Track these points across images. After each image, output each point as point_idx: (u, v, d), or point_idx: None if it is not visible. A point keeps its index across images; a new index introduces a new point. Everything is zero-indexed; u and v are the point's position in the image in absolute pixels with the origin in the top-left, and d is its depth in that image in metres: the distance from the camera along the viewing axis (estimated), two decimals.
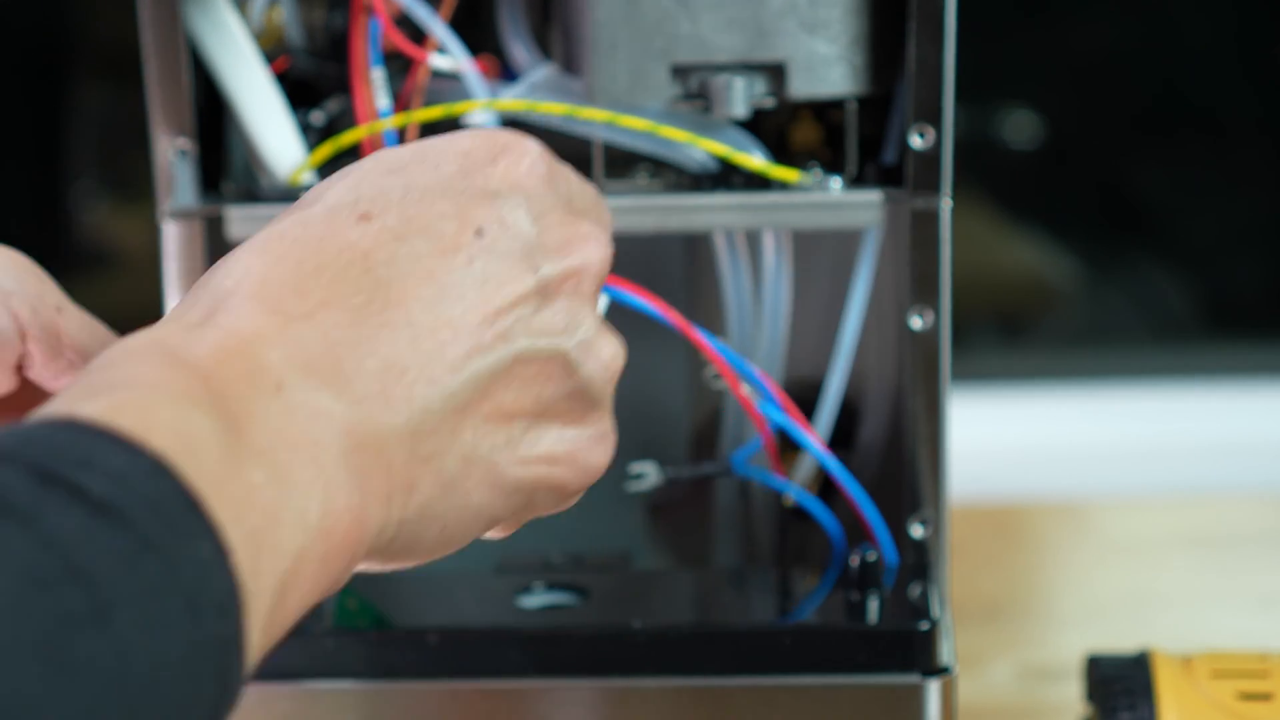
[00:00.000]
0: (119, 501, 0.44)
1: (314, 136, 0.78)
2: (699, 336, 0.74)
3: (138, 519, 0.44)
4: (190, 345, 0.50)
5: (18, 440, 0.45)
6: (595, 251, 0.56)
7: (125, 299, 1.38)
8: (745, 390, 0.75)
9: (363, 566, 0.53)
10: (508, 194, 0.55)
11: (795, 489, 0.77)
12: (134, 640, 0.42)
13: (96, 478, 0.44)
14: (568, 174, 0.58)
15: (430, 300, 0.53)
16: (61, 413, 0.46)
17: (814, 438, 0.76)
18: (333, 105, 0.80)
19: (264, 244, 0.53)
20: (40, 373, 0.63)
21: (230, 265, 0.53)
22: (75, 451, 0.44)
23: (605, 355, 0.57)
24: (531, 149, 0.57)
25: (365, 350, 0.52)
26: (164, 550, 0.44)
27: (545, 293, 0.55)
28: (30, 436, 0.45)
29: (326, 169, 0.78)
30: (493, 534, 0.57)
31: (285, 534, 0.48)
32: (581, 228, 0.57)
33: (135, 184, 1.39)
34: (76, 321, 0.64)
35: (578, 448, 0.56)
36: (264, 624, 0.47)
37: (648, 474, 0.77)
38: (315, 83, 0.79)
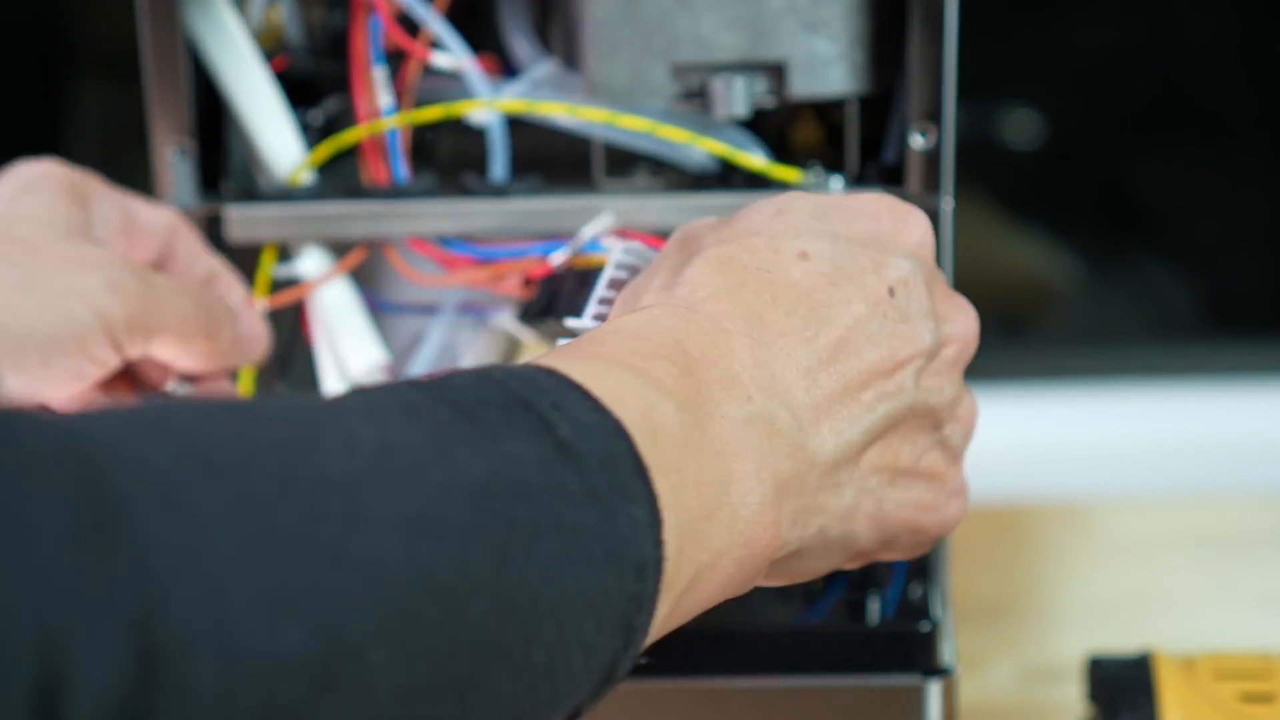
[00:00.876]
0: (579, 447, 0.49)
1: (313, 136, 0.78)
2: None
3: (590, 466, 0.49)
4: (678, 333, 0.56)
5: (506, 372, 0.50)
6: (970, 323, 0.63)
7: None
8: None
9: None
10: (910, 260, 0.61)
11: None
12: (554, 570, 0.47)
13: (565, 421, 0.49)
14: (933, 247, 0.65)
15: (857, 345, 0.59)
16: (550, 363, 0.52)
17: None
18: (331, 104, 0.80)
19: (720, 263, 0.59)
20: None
21: (693, 277, 0.59)
22: (553, 395, 0.50)
23: (965, 415, 0.63)
24: (924, 221, 0.63)
25: (811, 382, 0.58)
26: (605, 501, 0.49)
27: (933, 354, 0.61)
28: (518, 373, 0.50)
29: (326, 169, 0.78)
30: (848, 564, 0.62)
31: (714, 531, 0.53)
32: (960, 299, 0.63)
33: (135, 183, 1.39)
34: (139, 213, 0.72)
35: (941, 498, 0.62)
36: (671, 605, 0.52)
37: None
38: (314, 81, 0.79)
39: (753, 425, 0.55)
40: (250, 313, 0.74)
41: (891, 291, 0.60)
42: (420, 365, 0.78)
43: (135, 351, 0.68)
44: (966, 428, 0.63)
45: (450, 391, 0.49)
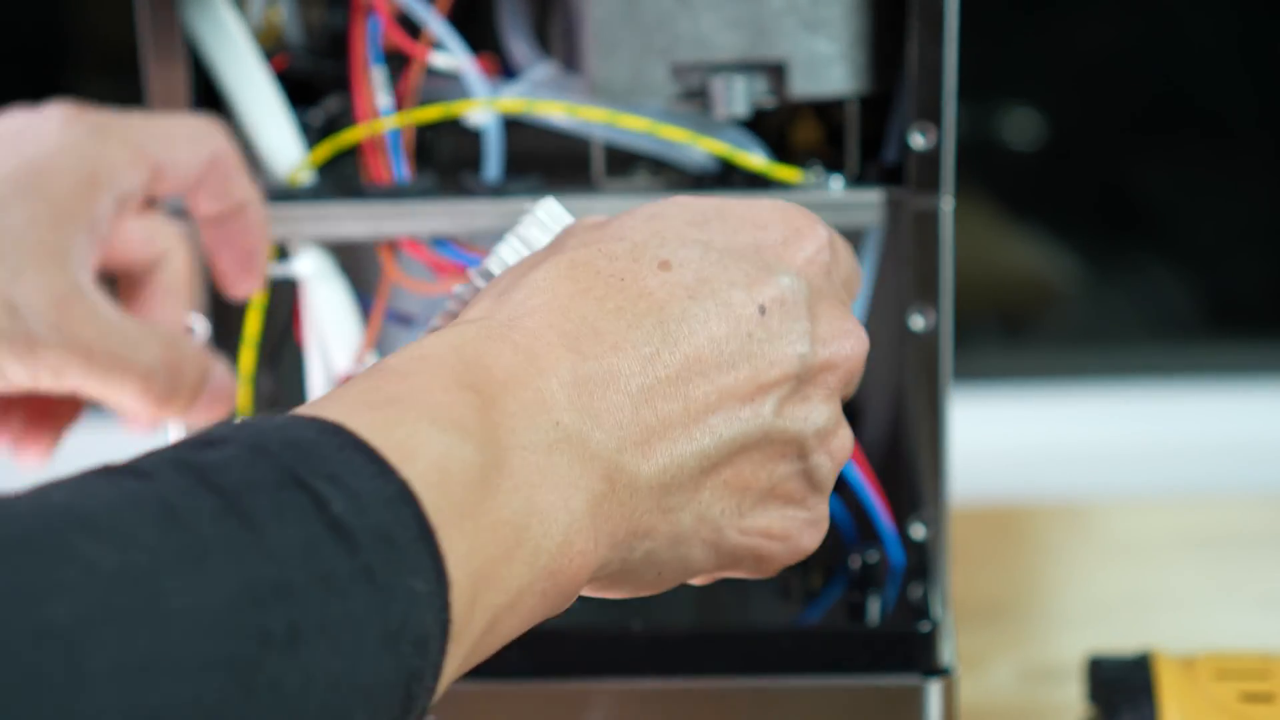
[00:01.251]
0: (354, 524, 0.46)
1: (313, 136, 0.78)
2: None
3: (365, 545, 0.46)
4: (486, 358, 0.53)
5: (284, 440, 0.47)
6: (856, 348, 0.59)
7: None
8: None
9: None
10: (792, 281, 0.58)
11: None
12: (320, 668, 0.44)
13: (341, 495, 0.46)
14: (846, 260, 0.61)
15: (709, 365, 0.56)
16: (340, 417, 0.48)
17: None
18: (331, 104, 0.80)
19: (571, 267, 0.56)
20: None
21: (537, 280, 0.56)
22: (332, 463, 0.47)
23: (836, 447, 0.59)
24: (820, 235, 0.59)
25: (643, 401, 0.54)
26: (381, 581, 0.46)
27: (803, 379, 0.58)
28: (298, 438, 0.47)
29: (326, 169, 0.78)
30: (691, 580, 0.59)
31: (514, 570, 0.50)
32: (847, 323, 0.59)
33: None
34: (177, 156, 0.71)
35: (794, 528, 0.59)
36: (466, 653, 0.50)
37: None
38: (314, 81, 0.79)
39: (559, 451, 0.52)
40: (221, 373, 0.73)
41: (763, 310, 0.57)
42: None
43: (40, 376, 0.66)
44: (836, 459, 0.59)
45: (218, 473, 0.45)
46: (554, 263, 0.56)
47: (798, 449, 0.58)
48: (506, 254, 0.61)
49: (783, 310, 0.57)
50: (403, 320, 0.79)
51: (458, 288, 0.61)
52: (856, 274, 0.63)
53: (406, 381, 0.51)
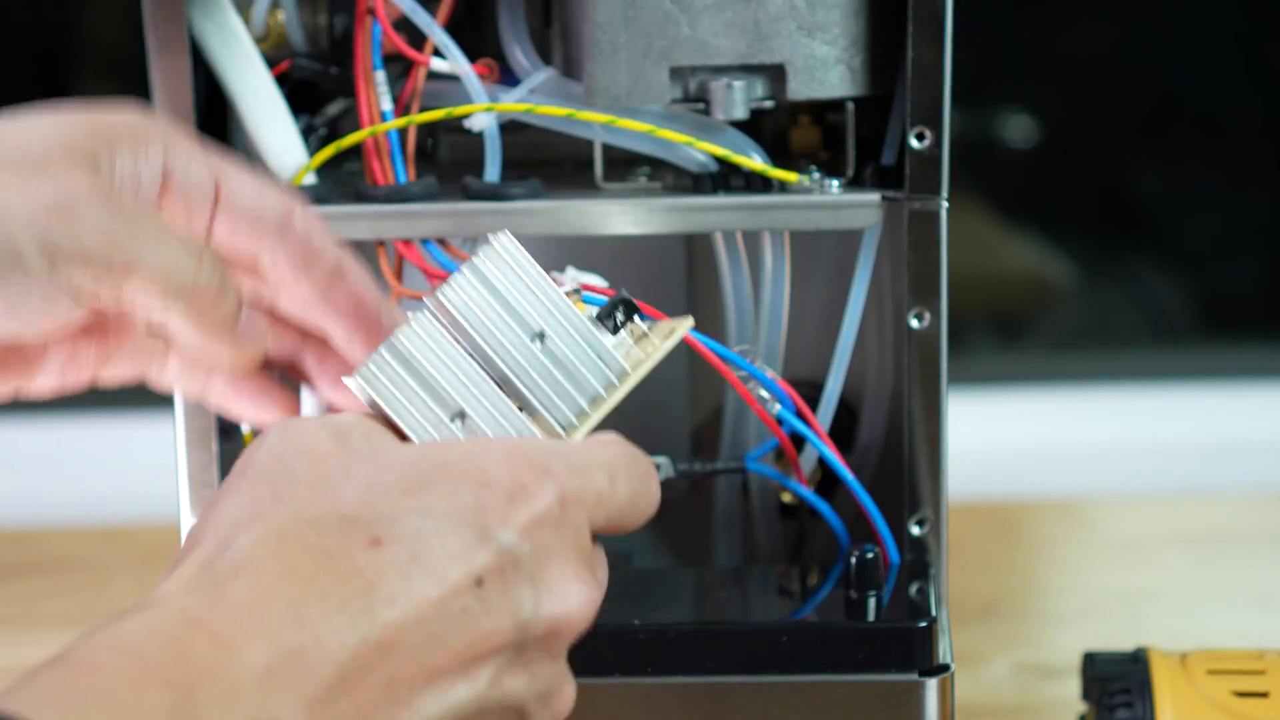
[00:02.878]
0: None
1: (316, 142, 0.79)
2: (704, 347, 0.75)
3: None
4: (182, 646, 0.51)
5: None
6: (584, 611, 0.57)
7: None
8: (756, 393, 0.75)
9: None
10: (515, 544, 0.55)
11: (807, 492, 0.78)
12: None
13: None
14: (583, 515, 0.58)
15: (417, 646, 0.53)
16: (15, 711, 0.47)
17: (826, 441, 0.76)
18: (333, 109, 0.80)
19: (280, 542, 0.54)
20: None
21: (244, 555, 0.53)
22: None
23: (560, 706, 0.58)
24: (548, 494, 0.56)
25: (341, 690, 0.52)
26: None
27: (523, 647, 0.56)
28: None
29: (325, 169, 0.79)
30: None
31: None
32: (576, 582, 0.57)
33: None
34: (241, 189, 0.64)
35: None
36: None
37: (661, 467, 0.78)
38: (317, 85, 0.79)
39: None
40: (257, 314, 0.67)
41: (479, 582, 0.54)
42: None
43: (102, 292, 0.60)
44: (558, 714, 0.58)
45: None
46: (264, 536, 0.54)
47: (517, 713, 0.56)
48: (460, 284, 0.61)
49: (502, 579, 0.55)
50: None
51: (410, 319, 0.60)
52: (631, 502, 0.59)
53: (96, 676, 0.49)
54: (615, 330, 0.64)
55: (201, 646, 0.51)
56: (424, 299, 0.61)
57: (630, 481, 0.59)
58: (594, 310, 0.64)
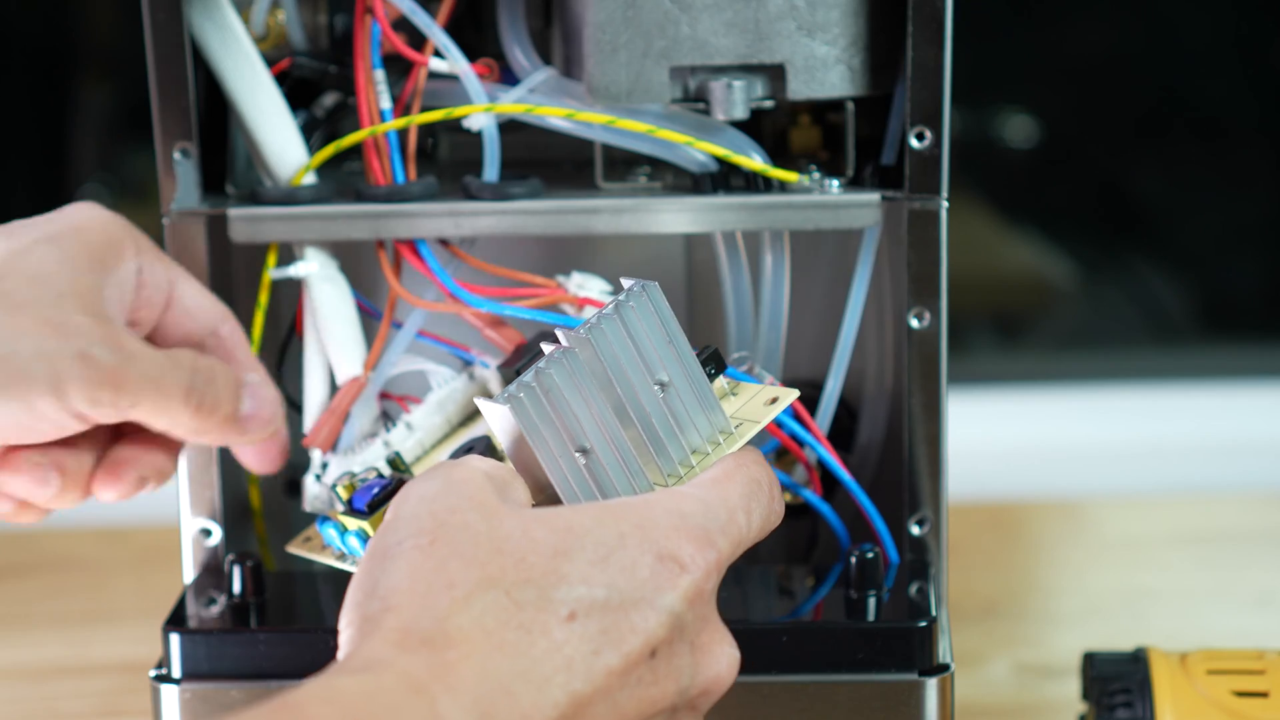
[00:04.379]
0: None
1: (314, 134, 0.79)
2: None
3: None
4: (397, 714, 0.53)
5: None
6: (732, 672, 0.62)
7: None
8: None
9: None
10: (682, 614, 0.60)
11: (808, 493, 0.78)
12: None
13: None
14: (726, 569, 0.62)
15: (599, 712, 0.58)
16: None
17: (824, 445, 0.76)
18: (328, 99, 0.80)
19: (484, 608, 0.57)
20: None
21: (445, 611, 0.56)
22: None
23: None
24: (709, 561, 0.61)
25: None
26: None
27: (679, 707, 0.60)
28: None
29: (325, 169, 0.79)
30: None
31: None
32: (724, 649, 0.62)
33: (138, 185, 1.40)
34: (188, 290, 0.73)
35: None
36: None
37: None
38: (318, 85, 0.79)
39: None
40: (262, 390, 0.74)
41: (654, 652, 0.59)
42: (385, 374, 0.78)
43: (106, 417, 0.68)
44: None
45: None
46: (467, 604, 0.57)
47: None
48: (606, 326, 0.63)
49: (670, 649, 0.59)
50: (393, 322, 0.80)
51: (553, 354, 0.63)
52: (762, 530, 0.64)
53: None
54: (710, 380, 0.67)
55: (418, 714, 0.54)
56: (565, 335, 0.63)
57: (760, 510, 0.64)
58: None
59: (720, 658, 0.62)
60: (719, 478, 0.63)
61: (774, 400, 0.67)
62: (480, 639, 0.56)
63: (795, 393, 0.67)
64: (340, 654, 0.58)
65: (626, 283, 0.65)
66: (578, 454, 0.63)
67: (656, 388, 0.64)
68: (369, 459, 0.76)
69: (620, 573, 0.59)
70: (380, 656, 0.55)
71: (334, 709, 0.53)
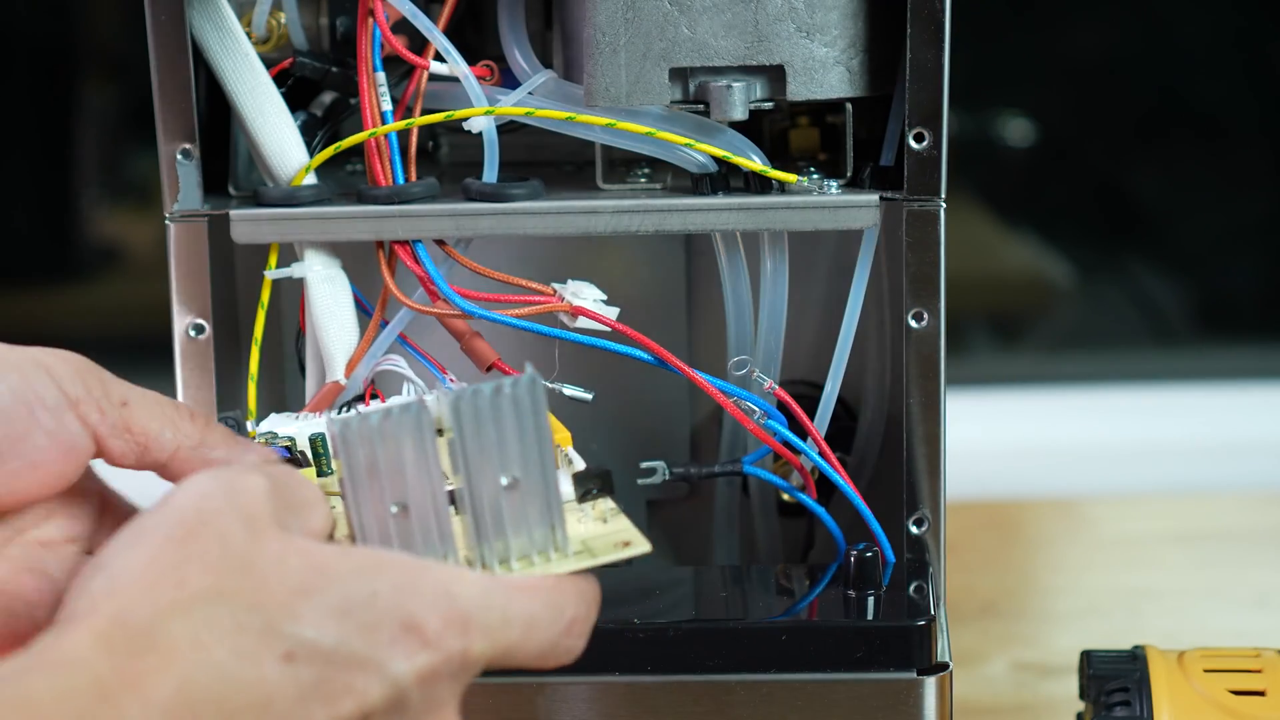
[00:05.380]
0: None
1: (314, 131, 0.79)
2: (698, 377, 0.75)
3: None
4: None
5: None
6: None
7: (132, 300, 1.39)
8: (748, 409, 0.76)
9: None
10: (409, 689, 0.56)
11: (804, 496, 0.78)
12: None
13: None
14: (478, 670, 0.58)
15: None
16: None
17: (821, 450, 0.76)
18: (326, 97, 0.80)
19: (204, 621, 0.53)
20: (117, 462, 0.64)
21: (163, 614, 0.53)
22: None
23: None
24: (456, 648, 0.57)
25: None
26: None
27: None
28: None
29: (326, 170, 0.79)
30: None
31: None
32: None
33: (140, 185, 1.40)
34: (144, 411, 0.64)
35: None
36: None
37: (657, 470, 0.78)
38: (317, 86, 0.80)
39: None
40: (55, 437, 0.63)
41: (367, 718, 0.55)
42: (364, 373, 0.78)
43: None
44: None
45: None
46: (186, 612, 0.54)
47: None
48: (476, 400, 0.60)
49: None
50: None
51: (405, 405, 0.60)
52: (539, 658, 0.59)
53: None
54: (583, 498, 0.64)
55: None
56: (436, 392, 0.61)
57: (547, 637, 0.59)
58: (576, 463, 0.64)
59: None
60: (522, 585, 0.59)
61: (628, 544, 0.62)
62: (187, 650, 0.53)
63: (647, 548, 0.62)
64: (58, 613, 0.55)
65: (519, 374, 0.61)
66: (394, 506, 0.60)
67: (504, 480, 0.60)
68: (307, 429, 0.72)
69: (357, 629, 0.55)
70: (79, 654, 0.53)
71: (22, 716, 0.51)
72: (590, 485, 0.64)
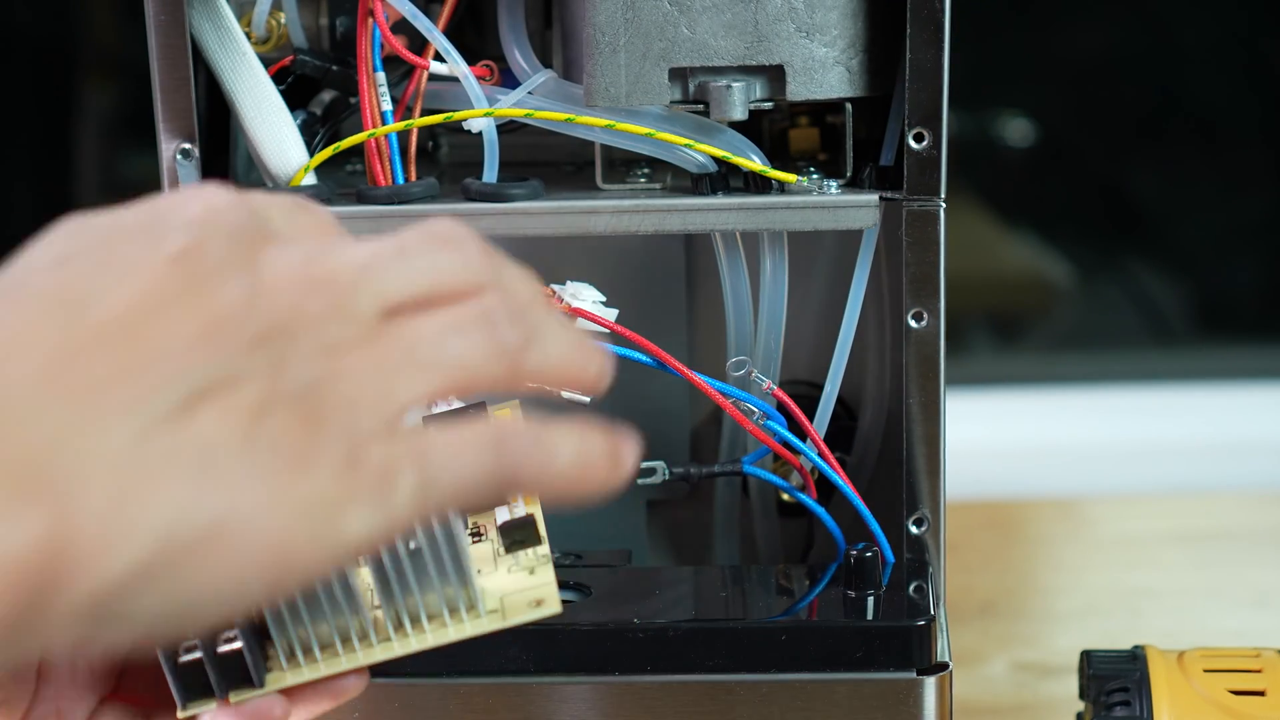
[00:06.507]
0: None
1: (313, 131, 0.79)
2: (698, 379, 0.75)
3: None
4: None
5: None
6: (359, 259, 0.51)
7: None
8: (747, 410, 0.76)
9: None
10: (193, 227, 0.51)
11: (804, 497, 0.78)
12: None
13: None
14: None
15: (137, 324, 0.48)
16: None
17: (820, 451, 0.76)
18: (326, 96, 0.80)
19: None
20: None
21: None
22: None
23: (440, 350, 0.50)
24: (204, 194, 0.51)
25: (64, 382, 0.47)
26: None
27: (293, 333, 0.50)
28: None
29: (326, 170, 0.79)
30: None
31: None
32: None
33: (140, 185, 1.40)
34: None
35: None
36: None
37: (657, 470, 0.78)
38: (319, 84, 0.80)
39: None
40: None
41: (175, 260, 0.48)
42: None
43: None
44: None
45: None
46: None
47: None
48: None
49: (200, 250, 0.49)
50: None
51: None
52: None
53: None
54: (509, 549, 0.62)
55: None
56: None
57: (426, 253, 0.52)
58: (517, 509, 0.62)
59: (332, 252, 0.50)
60: None
61: (540, 603, 0.59)
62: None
63: (557, 609, 0.59)
64: None
65: None
66: None
67: (402, 545, 0.57)
68: None
69: (127, 214, 0.51)
70: None
71: None
72: (516, 536, 0.62)
